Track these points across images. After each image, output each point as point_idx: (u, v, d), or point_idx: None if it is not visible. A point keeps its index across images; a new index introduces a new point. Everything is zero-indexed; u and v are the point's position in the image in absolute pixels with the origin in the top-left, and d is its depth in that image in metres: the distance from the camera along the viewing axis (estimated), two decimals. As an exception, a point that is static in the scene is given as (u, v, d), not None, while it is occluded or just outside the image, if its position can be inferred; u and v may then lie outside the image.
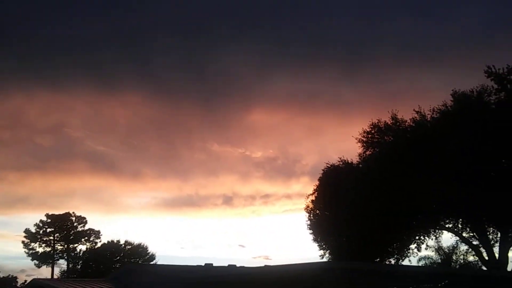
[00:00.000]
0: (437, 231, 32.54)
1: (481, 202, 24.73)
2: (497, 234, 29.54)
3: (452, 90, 27.06)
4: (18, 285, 63.45)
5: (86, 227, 66.20)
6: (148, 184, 75.38)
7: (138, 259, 60.29)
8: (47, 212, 64.96)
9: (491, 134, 24.37)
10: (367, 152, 30.87)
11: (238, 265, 28.27)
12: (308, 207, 35.92)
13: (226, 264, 28.32)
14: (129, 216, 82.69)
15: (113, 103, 64.05)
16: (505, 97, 24.89)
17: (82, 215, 66.39)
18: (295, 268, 16.54)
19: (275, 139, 69.17)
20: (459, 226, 31.00)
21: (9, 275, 64.82)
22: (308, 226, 35.74)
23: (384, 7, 51.53)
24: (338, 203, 31.02)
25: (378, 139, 30.33)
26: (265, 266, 25.10)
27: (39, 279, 31.60)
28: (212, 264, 27.19)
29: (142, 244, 62.47)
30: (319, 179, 34.24)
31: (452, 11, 49.92)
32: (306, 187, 72.49)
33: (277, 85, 57.80)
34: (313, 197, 35.24)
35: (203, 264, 27.80)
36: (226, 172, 72.72)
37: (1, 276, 64.08)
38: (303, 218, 36.23)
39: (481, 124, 24.58)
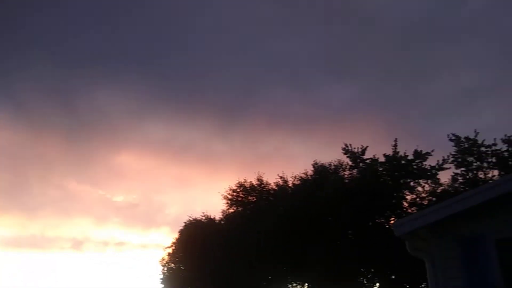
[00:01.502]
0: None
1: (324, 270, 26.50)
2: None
3: (313, 160, 29.46)
4: None
5: None
6: (-15, 219, 66.85)
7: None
8: None
9: (342, 207, 26.64)
10: (231, 210, 31.60)
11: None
12: (163, 259, 35.06)
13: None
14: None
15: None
16: (357, 173, 27.71)
17: None
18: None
19: (140, 184, 67.09)
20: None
21: None
22: (161, 280, 34.69)
23: (261, 75, 55.16)
24: (197, 258, 30.82)
25: (242, 198, 31.34)
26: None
27: None
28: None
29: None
30: (180, 232, 33.90)
31: (322, 87, 55.26)
32: (165, 238, 70.62)
33: (150, 130, 57.06)
34: (170, 250, 34.58)
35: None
36: (80, 213, 67.87)
37: None
38: (158, 271, 35.18)
39: (334, 196, 26.85)
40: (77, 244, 69.35)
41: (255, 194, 31.22)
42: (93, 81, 54.76)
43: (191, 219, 33.52)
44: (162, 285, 34.45)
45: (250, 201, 31.27)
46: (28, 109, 56.22)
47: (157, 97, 55.57)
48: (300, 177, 29.79)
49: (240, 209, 31.41)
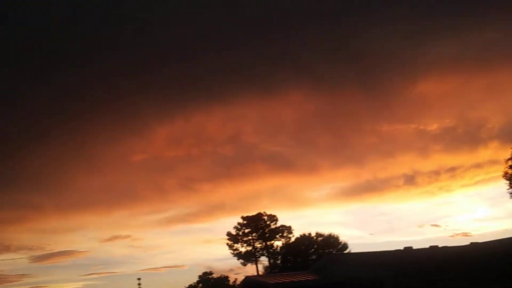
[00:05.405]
0: None
1: None
2: None
3: None
4: (230, 283, 70.51)
5: (278, 224, 69.87)
6: (325, 176, 76.88)
7: (331, 249, 61.54)
8: (242, 215, 70.52)
9: None
10: None
11: (439, 245, 27.08)
12: (507, 173, 32.72)
13: (426, 246, 27.38)
14: (312, 208, 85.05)
15: (278, 104, 67.16)
16: None
17: (272, 214, 70.38)
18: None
19: (449, 106, 64.22)
20: None
21: (221, 275, 72.52)
22: (511, 195, 32.52)
23: None
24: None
25: None
26: (471, 244, 23.51)
27: (250, 276, 34.87)
28: (411, 247, 26.51)
29: (332, 235, 63.71)
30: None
31: None
32: (498, 152, 65.46)
33: (438, 48, 53.62)
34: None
35: (401, 248, 27.30)
36: (402, 151, 70.12)
37: (215, 277, 72.05)
38: (502, 187, 33.13)
39: None
40: (409, 179, 71.91)
41: None
42: (363, 20, 54.81)
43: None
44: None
45: None
46: (319, 75, 61.23)
47: (432, 12, 51.41)
48: None
49: None
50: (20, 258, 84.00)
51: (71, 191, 77.38)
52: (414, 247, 26.61)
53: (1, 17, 53.48)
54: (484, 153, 62.36)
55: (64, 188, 77.44)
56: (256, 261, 68.62)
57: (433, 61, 55.74)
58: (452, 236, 72.31)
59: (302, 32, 58.19)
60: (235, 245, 69.71)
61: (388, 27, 53.09)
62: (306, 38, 58.60)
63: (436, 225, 75.56)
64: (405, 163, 70.51)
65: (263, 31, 59.66)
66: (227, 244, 69.71)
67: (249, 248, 69.23)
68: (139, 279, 63.78)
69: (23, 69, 61.15)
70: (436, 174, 69.67)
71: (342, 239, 63.31)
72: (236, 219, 70.66)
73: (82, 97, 65.46)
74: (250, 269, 68.69)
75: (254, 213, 70.43)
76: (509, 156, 32.39)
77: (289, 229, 69.51)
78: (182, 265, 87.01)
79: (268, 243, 69.43)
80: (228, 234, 70.30)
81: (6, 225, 78.52)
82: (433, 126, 66.34)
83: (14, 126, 66.48)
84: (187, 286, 72.45)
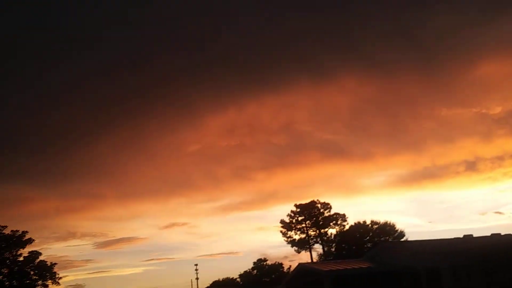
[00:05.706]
0: None
1: None
2: None
3: None
4: (284, 270, 70.83)
5: (332, 212, 69.13)
6: (380, 163, 75.34)
7: (387, 237, 60.23)
8: (295, 202, 70.35)
9: None
10: None
11: (502, 233, 25.84)
12: None
13: (488, 234, 26.20)
14: (367, 196, 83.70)
15: (331, 91, 66.25)
16: None
17: (326, 201, 69.68)
18: None
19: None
20: None
21: (276, 262, 72.95)
22: None
23: None
24: None
25: None
26: (538, 231, 22.31)
27: (304, 263, 34.79)
28: (471, 235, 25.48)
29: (388, 222, 62.30)
30: None
31: None
32: None
33: (502, 26, 50.61)
34: None
35: (461, 236, 26.34)
36: (462, 136, 67.32)
37: (270, 263, 72.61)
38: None
39: None
40: (471, 165, 68.91)
41: None
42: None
43: None
44: None
45: None
46: (375, 59, 59.54)
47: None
48: None
49: None
50: (85, 244, 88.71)
51: (131, 181, 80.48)
52: (475, 235, 25.57)
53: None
54: None
55: (125, 179, 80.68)
56: (310, 249, 68.44)
57: (496, 40, 52.86)
58: (515, 224, 68.91)
59: (353, 9, 56.84)
60: (289, 232, 69.71)
61: (447, 3, 50.65)
62: (358, 16, 57.23)
63: (500, 213, 72.37)
64: (466, 149, 67.68)
65: (314, 10, 58.86)
66: (281, 231, 69.89)
67: (303, 235, 69.05)
68: (196, 265, 65.52)
69: (88, 69, 63.92)
70: (499, 159, 66.50)
71: (399, 227, 61.80)
72: (290, 207, 70.65)
73: (140, 93, 67.61)
74: (305, 256, 68.63)
75: (307, 201, 70.09)
76: None
77: (343, 217, 68.61)
78: (237, 252, 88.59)
79: (322, 230, 68.90)
80: (282, 221, 70.43)
81: (72, 213, 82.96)
82: (497, 110, 63.17)
83: (80, 123, 69.83)
84: (242, 272, 73.54)
